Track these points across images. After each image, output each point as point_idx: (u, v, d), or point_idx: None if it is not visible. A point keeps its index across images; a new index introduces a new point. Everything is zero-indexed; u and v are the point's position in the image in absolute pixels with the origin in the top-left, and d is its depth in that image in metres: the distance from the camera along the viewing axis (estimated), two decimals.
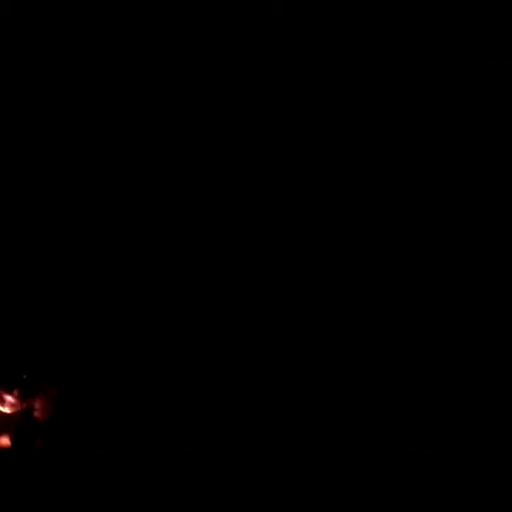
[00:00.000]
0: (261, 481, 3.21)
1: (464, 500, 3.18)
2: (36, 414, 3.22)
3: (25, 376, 3.16)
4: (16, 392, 3.12)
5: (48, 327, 3.46)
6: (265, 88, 3.57)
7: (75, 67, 3.52)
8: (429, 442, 3.31)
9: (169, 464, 3.21)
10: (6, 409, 3.13)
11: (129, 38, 3.53)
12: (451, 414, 3.36)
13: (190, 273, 3.53)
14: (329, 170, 3.56)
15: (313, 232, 3.55)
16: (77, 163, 3.57)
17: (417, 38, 3.53)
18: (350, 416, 3.38)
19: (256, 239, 3.55)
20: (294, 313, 3.49)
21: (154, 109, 3.56)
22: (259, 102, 3.58)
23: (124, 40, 3.53)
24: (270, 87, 3.57)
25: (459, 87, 3.54)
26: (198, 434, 3.35)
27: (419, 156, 3.57)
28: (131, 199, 3.55)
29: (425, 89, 3.56)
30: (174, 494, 3.18)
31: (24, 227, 3.54)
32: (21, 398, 3.13)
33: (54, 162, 3.56)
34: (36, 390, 3.21)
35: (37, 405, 3.21)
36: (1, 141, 3.54)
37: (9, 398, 3.12)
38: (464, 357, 3.42)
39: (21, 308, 3.49)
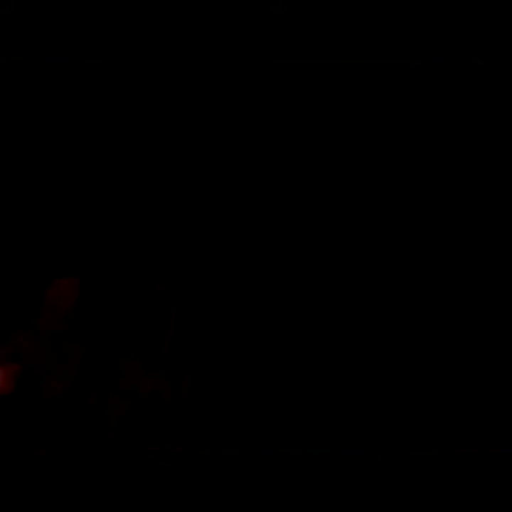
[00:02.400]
0: (260, 481, 3.21)
1: (464, 500, 3.17)
2: None
3: None
4: None
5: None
6: (265, 88, 3.59)
7: (75, 67, 3.55)
8: (428, 443, 3.31)
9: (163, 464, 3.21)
10: None
11: (129, 38, 3.55)
12: (450, 414, 3.36)
13: (188, 273, 3.54)
14: (328, 169, 3.57)
15: (313, 233, 3.56)
16: (78, 162, 3.58)
17: (417, 38, 3.54)
18: (349, 416, 3.38)
19: (256, 239, 3.56)
20: (294, 313, 3.50)
21: (154, 108, 3.58)
22: (259, 102, 3.60)
23: (124, 40, 3.56)
24: (270, 87, 3.59)
25: (459, 88, 3.56)
26: (192, 434, 3.35)
27: (418, 157, 3.58)
28: (130, 199, 3.56)
29: (425, 89, 3.57)
30: (168, 494, 3.18)
31: (23, 227, 3.56)
32: None
33: (54, 162, 3.58)
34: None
35: None
36: (1, 140, 3.56)
37: None
38: (463, 357, 3.42)
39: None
